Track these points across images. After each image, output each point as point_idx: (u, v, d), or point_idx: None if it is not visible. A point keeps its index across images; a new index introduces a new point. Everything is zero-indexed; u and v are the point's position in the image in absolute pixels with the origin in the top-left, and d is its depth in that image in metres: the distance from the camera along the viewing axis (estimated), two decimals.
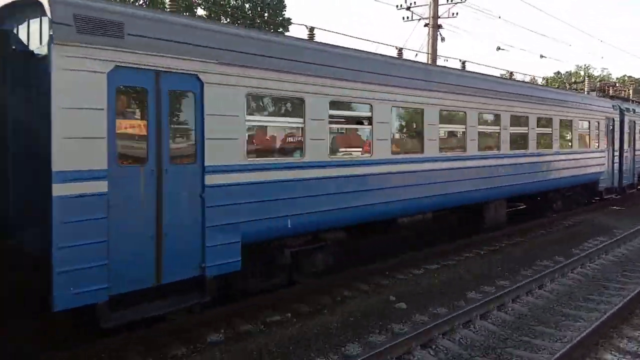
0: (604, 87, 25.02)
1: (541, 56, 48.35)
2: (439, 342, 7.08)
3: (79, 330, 6.58)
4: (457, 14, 22.48)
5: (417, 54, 26.38)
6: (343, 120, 9.26)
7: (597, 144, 17.99)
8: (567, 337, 7.29)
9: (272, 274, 8.30)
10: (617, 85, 27.84)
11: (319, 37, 10.12)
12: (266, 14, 35.30)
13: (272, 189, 7.53)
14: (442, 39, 22.91)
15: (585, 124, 17.28)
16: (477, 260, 11.77)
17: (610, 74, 72.50)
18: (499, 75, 18.05)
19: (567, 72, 67.32)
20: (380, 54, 10.47)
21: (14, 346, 6.05)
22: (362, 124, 9.33)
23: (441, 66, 15.79)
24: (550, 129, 15.05)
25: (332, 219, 8.52)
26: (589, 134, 17.49)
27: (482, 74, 13.70)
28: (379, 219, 9.69)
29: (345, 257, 9.68)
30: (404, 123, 10.59)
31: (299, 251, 8.47)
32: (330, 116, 8.46)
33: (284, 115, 8.26)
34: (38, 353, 6.00)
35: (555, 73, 67.06)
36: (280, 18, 34.76)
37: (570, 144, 16.20)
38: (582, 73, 67.20)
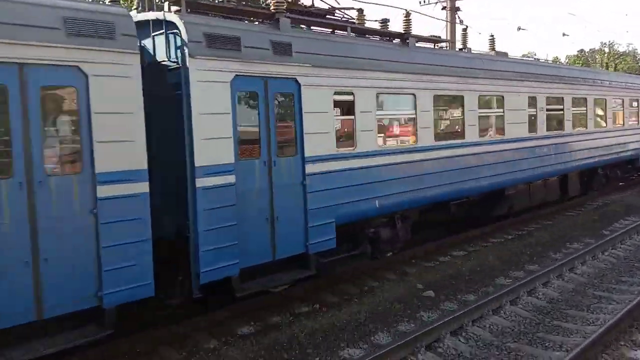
0: None
1: (563, 34, 47.15)
2: (469, 329, 7.04)
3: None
4: None
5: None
6: None
7: None
8: (599, 320, 7.18)
9: None
10: None
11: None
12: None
13: None
14: (461, 22, 22.48)
15: None
16: (504, 245, 11.64)
17: (637, 49, 70.11)
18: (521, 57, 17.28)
19: (590, 49, 65.47)
20: None
21: None
22: None
23: None
24: None
25: None
26: None
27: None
28: None
29: None
30: None
31: None
32: None
33: None
34: None
35: (578, 51, 65.16)
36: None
37: None
38: (606, 50, 65.25)
